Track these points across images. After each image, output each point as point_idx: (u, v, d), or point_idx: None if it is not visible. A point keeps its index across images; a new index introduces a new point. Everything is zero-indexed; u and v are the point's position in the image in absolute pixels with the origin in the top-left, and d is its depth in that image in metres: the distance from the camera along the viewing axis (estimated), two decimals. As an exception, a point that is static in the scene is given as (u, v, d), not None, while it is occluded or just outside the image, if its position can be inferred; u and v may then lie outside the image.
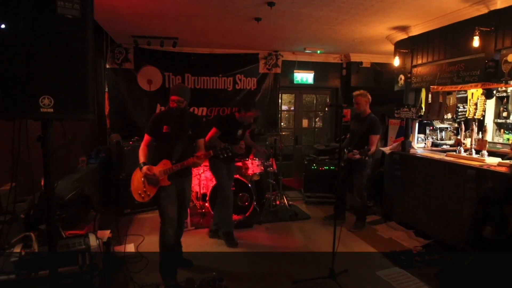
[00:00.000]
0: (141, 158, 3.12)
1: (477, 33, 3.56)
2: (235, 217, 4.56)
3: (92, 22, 1.74)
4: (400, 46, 4.97)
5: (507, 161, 3.51)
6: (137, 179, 3.14)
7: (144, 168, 3.02)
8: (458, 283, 2.92)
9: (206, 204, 4.78)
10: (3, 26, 1.54)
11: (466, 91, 4.77)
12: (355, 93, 4.52)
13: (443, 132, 5.34)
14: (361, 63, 6.73)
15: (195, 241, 4.11)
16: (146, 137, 3.20)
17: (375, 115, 4.49)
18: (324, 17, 4.18)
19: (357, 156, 4.07)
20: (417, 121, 4.89)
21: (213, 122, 4.10)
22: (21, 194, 2.79)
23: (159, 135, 3.15)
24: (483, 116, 4.83)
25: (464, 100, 5.08)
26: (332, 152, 5.90)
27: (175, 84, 3.41)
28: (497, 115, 4.98)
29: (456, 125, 5.32)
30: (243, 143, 3.91)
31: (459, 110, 5.12)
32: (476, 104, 4.65)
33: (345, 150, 4.45)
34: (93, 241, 2.52)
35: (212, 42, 5.72)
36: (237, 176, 4.71)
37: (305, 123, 7.22)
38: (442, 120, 5.20)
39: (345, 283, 3.10)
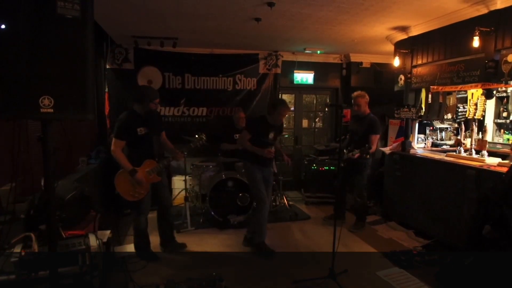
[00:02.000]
0: (128, 164, 3.33)
1: (477, 33, 3.56)
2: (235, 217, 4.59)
3: (92, 22, 1.74)
4: (400, 46, 4.97)
5: (507, 161, 3.51)
6: (123, 181, 3.39)
7: (140, 175, 3.34)
8: (458, 283, 2.92)
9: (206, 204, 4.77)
10: (3, 26, 1.54)
11: (466, 91, 4.77)
12: (354, 94, 4.53)
13: (443, 132, 5.34)
14: (361, 63, 6.73)
15: (195, 241, 4.11)
16: (120, 143, 3.33)
17: (375, 115, 4.49)
18: (324, 17, 4.18)
19: (357, 155, 4.08)
20: (417, 121, 4.89)
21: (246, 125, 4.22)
22: (21, 194, 2.79)
23: (133, 138, 3.33)
24: (483, 116, 4.82)
25: (464, 100, 5.07)
26: (332, 152, 5.90)
27: (148, 88, 3.79)
28: (497, 115, 4.97)
29: (456, 125, 5.31)
30: (273, 149, 3.91)
31: (459, 110, 5.12)
32: (476, 104, 4.64)
33: (345, 150, 4.45)
34: (93, 241, 2.51)
35: (212, 42, 5.72)
36: (237, 176, 4.71)
37: (305, 123, 7.23)
38: (442, 120, 5.20)
39: (345, 283, 3.10)
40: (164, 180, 3.71)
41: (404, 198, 4.53)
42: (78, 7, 1.65)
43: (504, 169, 3.30)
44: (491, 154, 3.98)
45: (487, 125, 4.58)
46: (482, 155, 3.81)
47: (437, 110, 4.56)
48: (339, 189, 4.83)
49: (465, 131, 4.82)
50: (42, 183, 2.21)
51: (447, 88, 4.39)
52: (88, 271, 2.35)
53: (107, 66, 5.72)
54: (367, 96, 4.48)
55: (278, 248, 4.00)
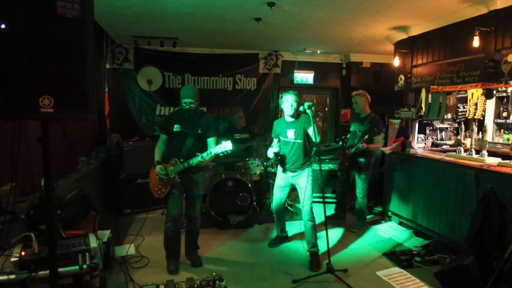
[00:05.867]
0: (156, 156, 3.35)
1: (477, 33, 3.56)
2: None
3: (92, 22, 1.74)
4: (400, 46, 4.97)
5: (507, 161, 3.51)
6: (153, 176, 3.38)
7: (157, 168, 3.26)
8: (458, 283, 2.92)
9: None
10: (3, 26, 1.54)
11: (466, 91, 4.77)
12: (354, 92, 4.54)
13: (443, 132, 5.34)
14: (361, 63, 6.73)
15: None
16: (161, 136, 3.41)
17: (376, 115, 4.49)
18: (324, 17, 4.18)
19: (365, 145, 4.12)
20: (417, 121, 4.89)
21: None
22: (21, 194, 2.79)
23: (170, 134, 3.35)
24: (483, 116, 4.83)
25: (464, 100, 5.08)
26: (332, 152, 5.89)
27: (184, 87, 3.43)
28: (497, 115, 4.98)
29: (456, 125, 5.32)
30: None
31: (459, 110, 5.12)
32: (476, 104, 4.64)
33: (346, 151, 4.45)
34: (93, 241, 2.51)
35: (212, 42, 5.72)
36: (237, 176, 4.71)
37: (305, 123, 7.22)
38: (442, 120, 5.20)
39: (345, 283, 3.10)
40: (195, 189, 3.40)
41: (404, 198, 4.53)
42: (78, 7, 1.64)
43: (504, 169, 3.30)
44: (491, 154, 3.98)
45: (487, 125, 4.58)
46: (482, 155, 3.81)
47: (437, 110, 4.56)
48: (340, 188, 4.84)
49: (465, 131, 4.82)
50: (42, 183, 2.21)
51: (447, 88, 4.39)
52: (88, 271, 2.35)
53: (107, 66, 5.72)
54: (367, 96, 4.48)
55: (278, 248, 4.00)
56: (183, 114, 3.31)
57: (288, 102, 3.48)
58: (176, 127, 3.30)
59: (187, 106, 3.25)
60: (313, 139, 3.39)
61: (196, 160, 3.11)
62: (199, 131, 3.30)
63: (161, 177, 3.26)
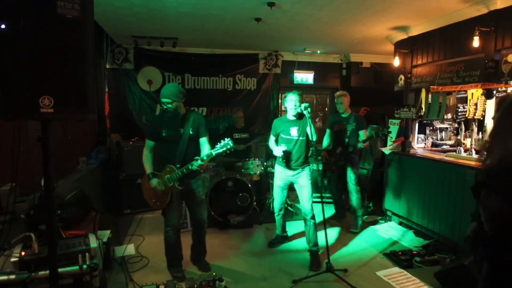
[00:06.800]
0: (147, 168, 3.13)
1: (477, 33, 3.56)
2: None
3: (92, 23, 1.74)
4: (400, 46, 4.97)
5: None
6: (148, 187, 3.16)
7: (154, 182, 3.05)
8: (458, 283, 2.92)
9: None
10: (3, 26, 1.54)
11: (466, 91, 4.77)
12: (338, 93, 4.63)
13: (443, 132, 5.34)
14: (361, 63, 6.73)
15: (195, 241, 4.10)
16: (148, 143, 3.15)
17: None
18: (324, 17, 4.18)
19: (366, 144, 4.34)
20: (417, 121, 4.89)
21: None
22: (21, 194, 2.79)
23: (160, 139, 3.11)
24: (483, 116, 4.82)
25: (464, 100, 5.07)
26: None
27: (165, 85, 3.21)
28: (497, 115, 4.97)
29: (456, 125, 5.32)
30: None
31: (459, 110, 5.12)
32: (476, 104, 4.64)
33: (336, 150, 4.52)
34: (93, 241, 2.51)
35: (212, 42, 5.72)
36: (237, 176, 4.71)
37: (305, 123, 7.23)
38: (442, 120, 5.20)
39: (345, 283, 3.10)
40: (197, 194, 3.22)
41: (404, 198, 4.53)
42: (78, 7, 1.64)
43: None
44: (491, 154, 3.97)
45: (487, 125, 4.57)
46: (482, 155, 3.81)
47: (437, 110, 4.56)
48: (335, 188, 4.87)
49: (465, 131, 4.82)
50: (42, 183, 2.21)
51: (447, 88, 4.39)
52: (88, 271, 2.35)
53: (107, 66, 5.72)
54: (349, 96, 4.60)
55: (278, 248, 4.00)
56: (164, 116, 3.13)
57: (292, 101, 3.53)
58: (165, 131, 3.06)
59: (165, 106, 3.03)
60: (310, 138, 3.41)
61: (197, 164, 2.90)
62: (191, 132, 3.08)
63: (152, 187, 3.06)
